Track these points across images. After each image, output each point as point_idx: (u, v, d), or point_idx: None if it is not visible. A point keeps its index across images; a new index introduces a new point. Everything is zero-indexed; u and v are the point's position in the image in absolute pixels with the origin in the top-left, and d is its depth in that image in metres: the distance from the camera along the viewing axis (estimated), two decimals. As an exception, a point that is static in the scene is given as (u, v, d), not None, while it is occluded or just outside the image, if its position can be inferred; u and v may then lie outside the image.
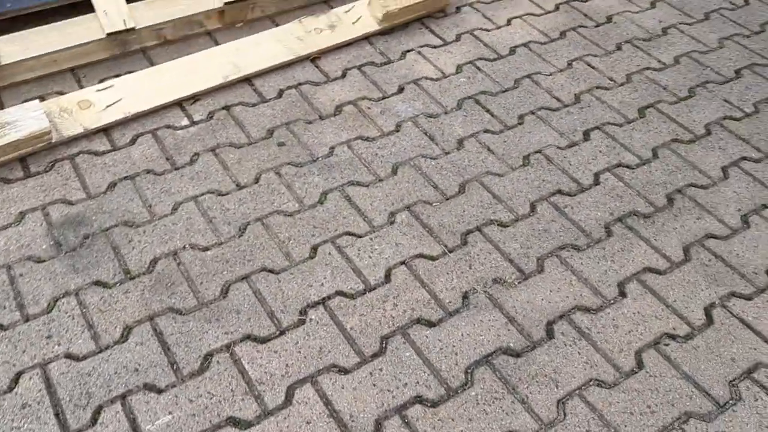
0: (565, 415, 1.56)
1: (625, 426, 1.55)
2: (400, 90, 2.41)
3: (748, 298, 1.81)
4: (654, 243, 1.93)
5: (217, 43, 2.53)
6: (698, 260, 1.89)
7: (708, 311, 1.77)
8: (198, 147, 2.14)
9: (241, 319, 1.71)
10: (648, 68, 2.55)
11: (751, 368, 1.66)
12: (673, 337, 1.72)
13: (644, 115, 2.35)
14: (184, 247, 1.85)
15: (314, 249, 1.88)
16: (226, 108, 2.29)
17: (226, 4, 2.53)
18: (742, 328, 1.74)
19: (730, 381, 1.63)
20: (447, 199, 2.03)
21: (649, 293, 1.81)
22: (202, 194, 2.00)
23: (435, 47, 2.60)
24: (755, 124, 2.33)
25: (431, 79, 2.46)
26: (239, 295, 1.76)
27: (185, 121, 2.23)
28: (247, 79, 2.40)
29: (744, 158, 2.20)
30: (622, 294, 1.80)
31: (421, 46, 2.60)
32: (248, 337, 1.67)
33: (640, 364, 1.66)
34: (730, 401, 1.60)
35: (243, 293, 1.76)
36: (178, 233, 1.89)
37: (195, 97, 2.32)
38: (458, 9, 2.80)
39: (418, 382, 1.61)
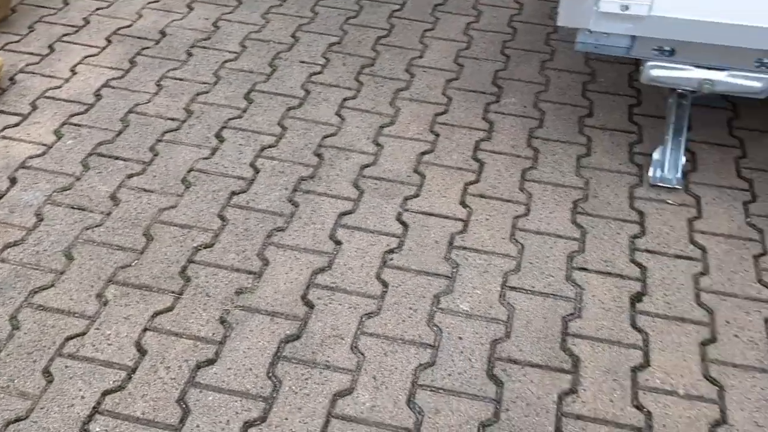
0: (363, 356, 1.90)
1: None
2: (13, 181, 2.33)
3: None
4: (332, 193, 2.36)
5: None
6: (371, 188, 2.39)
7: (399, 219, 2.29)
8: None
9: (22, 484, 1.59)
10: (227, 61, 2.94)
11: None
12: (391, 251, 2.18)
13: (251, 100, 2.75)
14: None
15: (47, 373, 1.81)
16: None
17: None
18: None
19: (444, 257, 2.18)
20: (142, 253, 2.12)
21: (355, 232, 2.24)
22: None
23: (17, 125, 2.55)
24: (331, 73, 2.93)
25: (37, 155, 2.43)
26: (1, 465, 1.62)
27: None
28: None
29: (345, 99, 2.78)
30: (338, 243, 2.20)
31: (1, 130, 2.51)
32: (46, 494, 1.58)
33: (385, 285, 2.08)
34: (453, 270, 2.14)
35: (3, 460, 1.63)
36: None
37: None
38: (12, 80, 2.75)
39: (237, 413, 1.75)
